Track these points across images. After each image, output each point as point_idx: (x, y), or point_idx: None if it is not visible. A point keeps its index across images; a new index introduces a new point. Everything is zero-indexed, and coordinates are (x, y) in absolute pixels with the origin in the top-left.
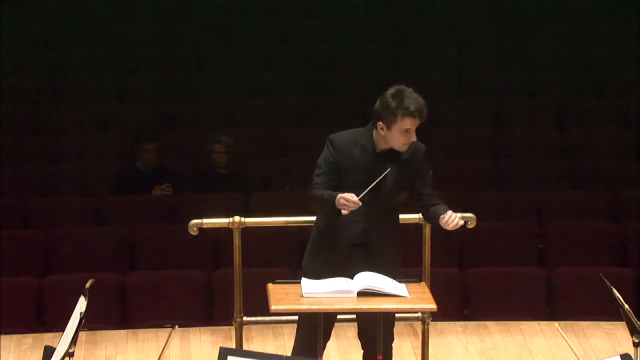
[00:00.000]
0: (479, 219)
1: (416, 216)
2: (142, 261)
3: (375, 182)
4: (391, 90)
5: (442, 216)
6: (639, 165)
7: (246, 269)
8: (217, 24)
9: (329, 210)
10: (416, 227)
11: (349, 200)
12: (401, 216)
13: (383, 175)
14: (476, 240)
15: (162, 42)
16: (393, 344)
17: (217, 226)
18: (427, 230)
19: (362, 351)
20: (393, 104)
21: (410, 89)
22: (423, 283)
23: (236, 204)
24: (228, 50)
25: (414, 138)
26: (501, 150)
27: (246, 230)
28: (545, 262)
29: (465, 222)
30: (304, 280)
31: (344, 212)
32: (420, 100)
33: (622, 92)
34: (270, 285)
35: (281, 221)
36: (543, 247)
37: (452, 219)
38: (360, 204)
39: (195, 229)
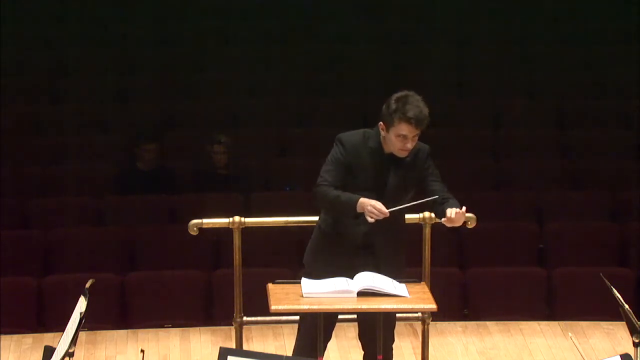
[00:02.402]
0: (479, 219)
1: (416, 216)
2: (142, 261)
3: (411, 204)
4: (398, 94)
5: (443, 219)
6: (639, 165)
7: (246, 269)
8: (217, 24)
9: (346, 213)
10: (416, 227)
11: (379, 210)
12: None
13: (428, 199)
14: (476, 240)
15: (162, 42)
16: (393, 345)
17: (217, 226)
18: (427, 230)
19: (362, 352)
20: (394, 107)
21: (418, 97)
22: (423, 283)
23: (236, 204)
24: (228, 50)
25: (409, 145)
26: (501, 150)
27: (246, 230)
28: (545, 262)
29: (465, 222)
30: (304, 280)
31: (370, 220)
32: (424, 109)
33: (622, 92)
34: (270, 285)
35: (281, 221)
36: (543, 247)
37: (454, 218)
38: (388, 214)
39: (195, 229)
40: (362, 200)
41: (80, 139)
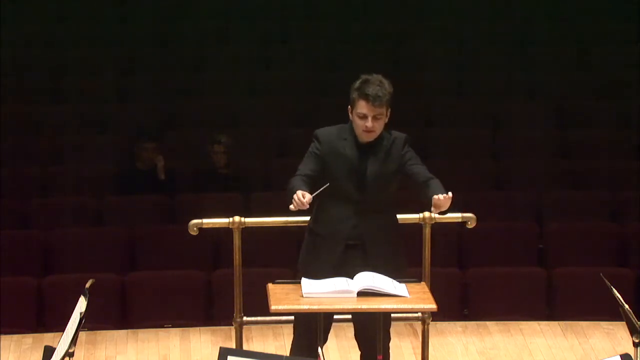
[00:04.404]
0: (479, 219)
1: (416, 216)
2: (142, 261)
3: (322, 189)
4: (361, 76)
5: (431, 211)
6: (639, 165)
7: (246, 269)
8: (217, 24)
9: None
10: (416, 227)
11: (299, 198)
12: (401, 216)
13: (324, 187)
14: (476, 240)
15: (162, 42)
16: (393, 344)
17: (217, 226)
18: (427, 230)
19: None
20: (355, 86)
21: (383, 79)
22: (423, 283)
23: (236, 204)
24: (228, 50)
25: (369, 124)
26: (501, 150)
27: (246, 230)
28: (545, 262)
29: (465, 222)
30: (304, 280)
31: (291, 207)
32: (383, 89)
33: (622, 92)
34: (270, 285)
35: (281, 221)
36: (543, 247)
37: (441, 203)
38: (307, 207)
39: (195, 229)
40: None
41: (80, 139)
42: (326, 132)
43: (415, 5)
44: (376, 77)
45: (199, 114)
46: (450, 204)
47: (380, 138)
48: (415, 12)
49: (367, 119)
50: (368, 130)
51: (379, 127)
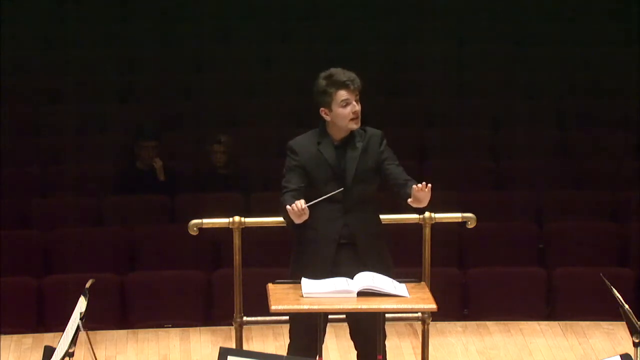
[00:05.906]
0: (479, 219)
1: (416, 216)
2: (142, 261)
3: (327, 196)
4: (321, 75)
5: (409, 200)
6: (639, 165)
7: (246, 269)
8: (217, 24)
9: (289, 220)
10: (416, 227)
11: (293, 208)
12: (401, 216)
13: (336, 192)
14: (476, 240)
15: (162, 42)
16: (393, 344)
17: (217, 226)
18: (427, 231)
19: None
20: (324, 84)
21: (340, 68)
22: (423, 283)
23: (236, 204)
24: (228, 50)
25: (358, 107)
26: (501, 150)
27: (246, 230)
28: (545, 262)
29: (465, 222)
30: (304, 280)
31: (296, 221)
32: (350, 72)
33: (622, 92)
34: (270, 285)
35: (281, 221)
36: (543, 247)
37: (421, 194)
38: (304, 207)
39: (195, 229)
40: (287, 207)
41: (80, 139)
42: (299, 142)
43: (415, 5)
44: (335, 69)
45: (199, 114)
46: (430, 199)
47: (354, 135)
48: (415, 12)
49: (352, 103)
50: (357, 115)
51: (359, 109)
